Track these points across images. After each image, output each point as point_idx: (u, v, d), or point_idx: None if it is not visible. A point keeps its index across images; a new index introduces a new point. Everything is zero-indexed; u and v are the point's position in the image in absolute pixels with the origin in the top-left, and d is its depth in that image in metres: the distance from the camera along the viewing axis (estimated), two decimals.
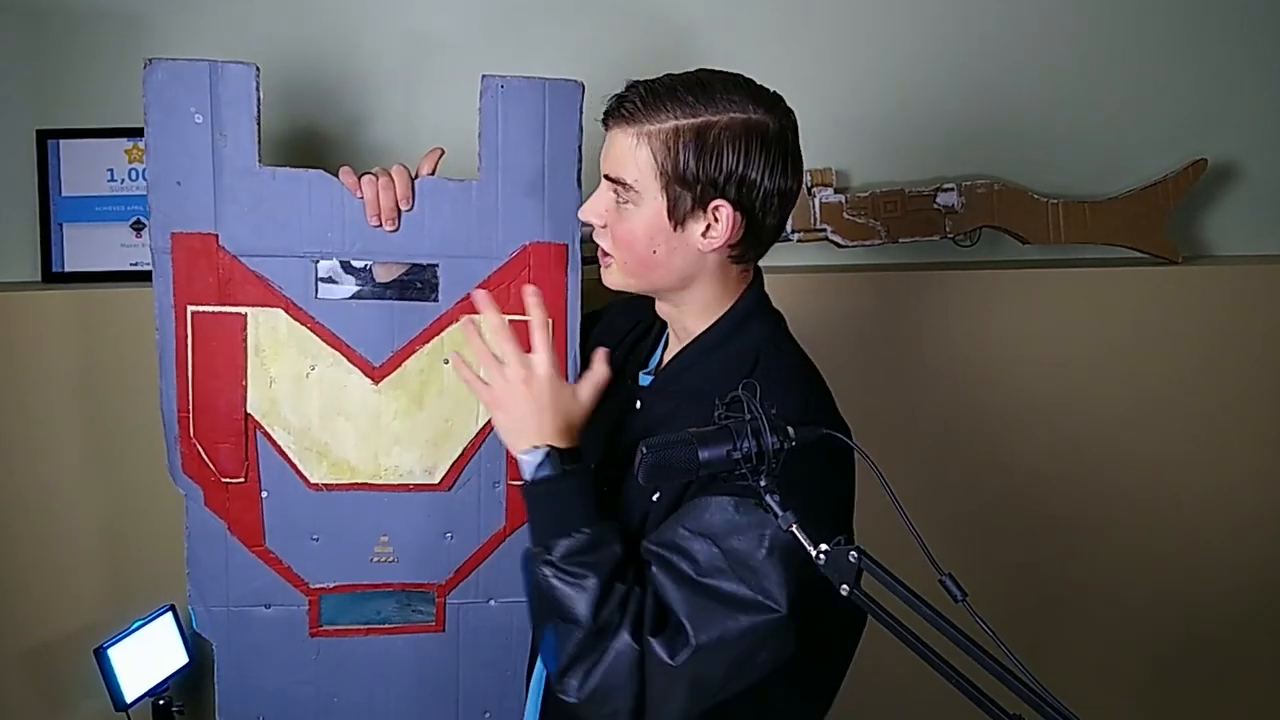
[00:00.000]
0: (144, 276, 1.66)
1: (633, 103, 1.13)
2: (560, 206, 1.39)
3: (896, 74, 1.83)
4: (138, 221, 1.71)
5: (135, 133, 1.68)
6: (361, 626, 1.44)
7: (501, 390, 1.21)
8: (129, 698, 1.56)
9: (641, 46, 1.73)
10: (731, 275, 1.21)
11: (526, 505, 1.17)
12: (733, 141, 1.12)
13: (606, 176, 1.18)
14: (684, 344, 1.25)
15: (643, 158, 1.13)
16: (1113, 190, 1.87)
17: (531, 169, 1.38)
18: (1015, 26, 1.85)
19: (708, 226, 1.15)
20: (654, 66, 1.21)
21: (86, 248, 1.71)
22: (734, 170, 1.12)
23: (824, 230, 1.77)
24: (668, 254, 1.17)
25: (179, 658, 1.64)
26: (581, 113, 1.38)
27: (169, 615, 1.63)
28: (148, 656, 1.59)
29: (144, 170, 1.62)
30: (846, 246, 1.79)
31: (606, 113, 1.17)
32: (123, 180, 1.71)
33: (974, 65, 1.84)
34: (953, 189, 1.80)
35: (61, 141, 1.69)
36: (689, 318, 1.23)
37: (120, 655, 1.55)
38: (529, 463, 1.17)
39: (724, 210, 1.14)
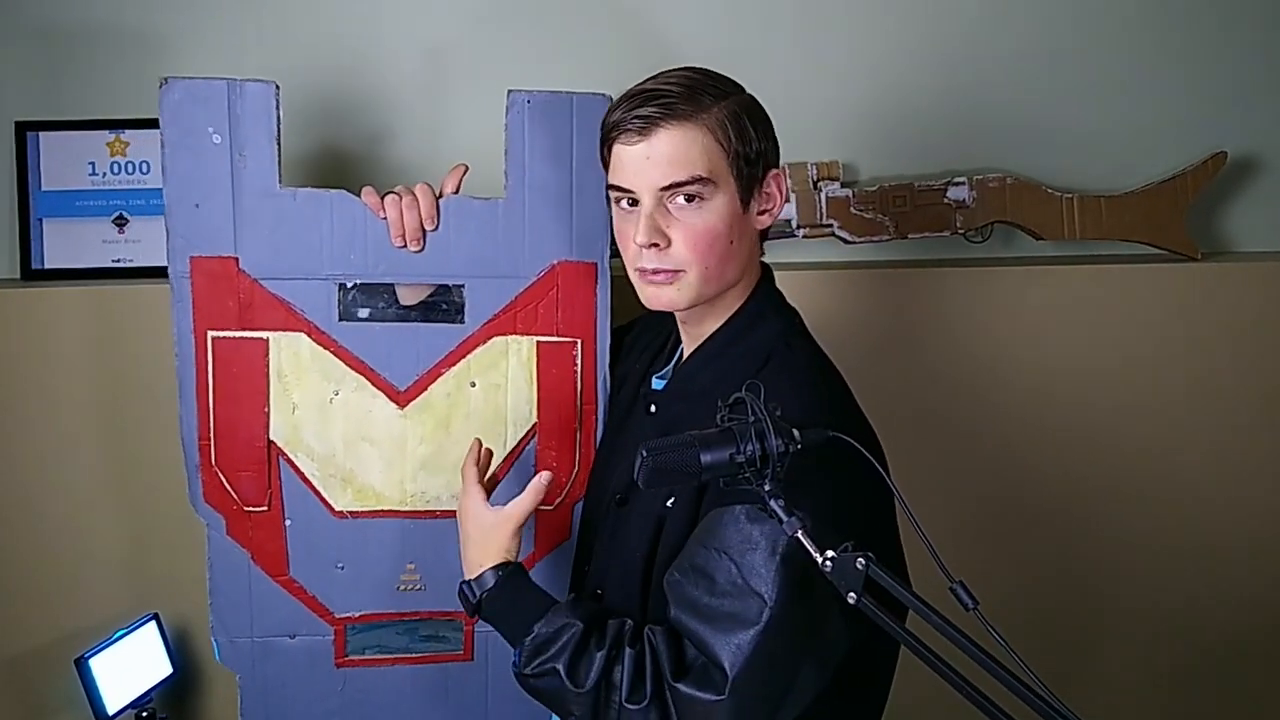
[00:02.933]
0: (127, 274, 1.64)
1: (671, 100, 1.11)
2: (589, 224, 1.37)
3: (905, 64, 1.78)
4: (120, 216, 1.66)
5: (118, 125, 1.64)
6: (388, 656, 1.42)
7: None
8: (111, 709, 1.52)
9: (660, 50, 1.69)
10: (755, 261, 1.22)
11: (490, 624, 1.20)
12: (761, 112, 1.17)
13: (673, 184, 1.12)
14: (697, 344, 1.23)
15: (710, 147, 1.12)
16: (1129, 184, 1.81)
17: (559, 186, 1.36)
18: (1029, 14, 1.80)
19: (763, 200, 1.18)
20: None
21: (67, 244, 1.66)
22: (773, 138, 1.17)
23: (830, 226, 1.73)
24: (739, 241, 1.16)
25: (163, 668, 1.60)
26: None
27: (152, 624, 1.59)
28: (130, 667, 1.56)
29: (127, 164, 1.61)
30: (853, 243, 1.74)
31: (646, 120, 1.12)
32: (104, 174, 1.66)
33: (986, 55, 1.80)
34: (964, 183, 1.75)
35: (41, 133, 1.64)
36: (708, 316, 1.21)
37: (102, 665, 1.52)
38: (475, 586, 1.20)
39: (778, 178, 1.18)
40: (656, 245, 1.13)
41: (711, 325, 1.21)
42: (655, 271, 1.15)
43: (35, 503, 1.64)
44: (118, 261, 1.66)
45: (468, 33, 1.70)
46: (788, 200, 1.17)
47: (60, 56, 1.64)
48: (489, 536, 1.21)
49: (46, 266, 1.66)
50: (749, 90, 1.19)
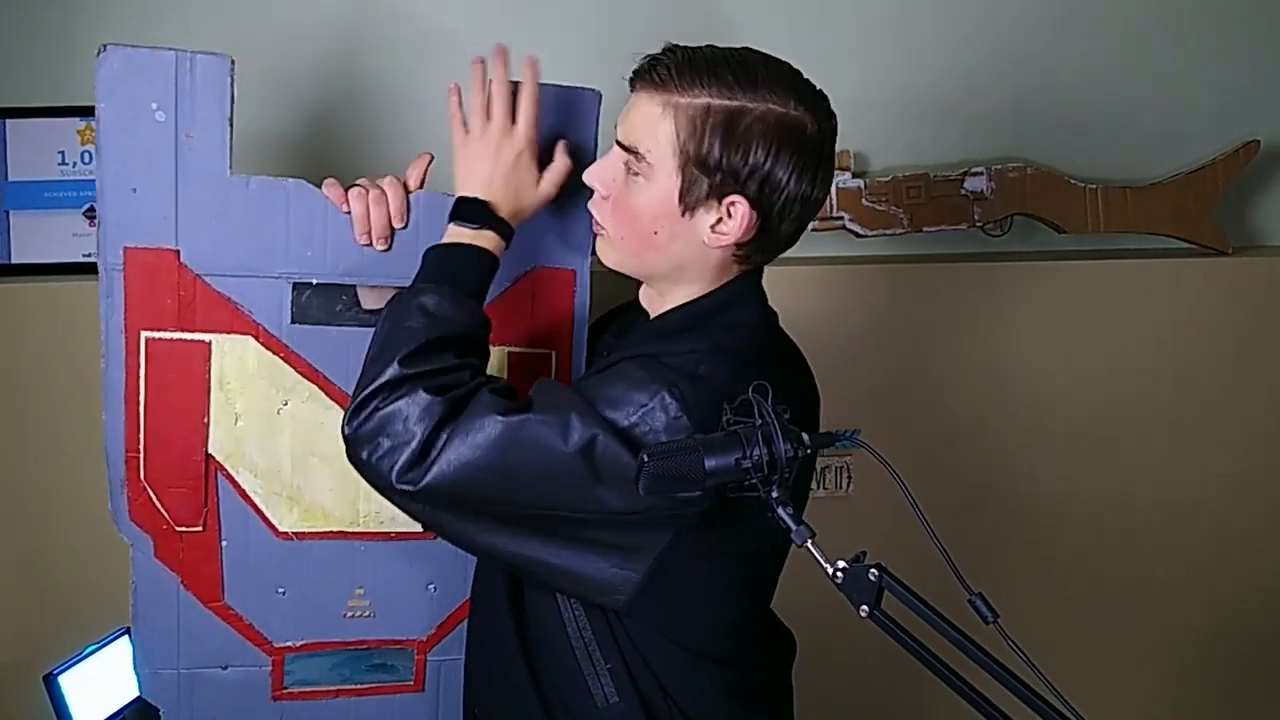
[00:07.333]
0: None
1: (666, 68, 1.07)
2: (571, 228, 1.29)
3: (920, 48, 1.76)
4: (91, 209, 1.64)
5: (89, 111, 1.56)
6: (331, 688, 1.34)
7: (476, 143, 1.19)
8: None
9: (662, 38, 1.65)
10: (730, 273, 1.16)
11: (429, 256, 1.15)
12: (765, 134, 1.06)
13: (619, 143, 1.12)
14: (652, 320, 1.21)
15: (665, 131, 1.07)
16: (1157, 175, 1.79)
17: None
18: None
19: (718, 220, 1.10)
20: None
21: (36, 237, 1.62)
22: (759, 166, 1.07)
23: (841, 218, 1.71)
24: (669, 239, 1.12)
25: (136, 686, 1.52)
26: (598, 125, 1.28)
27: (125, 639, 1.52)
28: (102, 684, 1.53)
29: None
30: (866, 236, 1.73)
31: (636, 73, 1.10)
32: (75, 164, 1.62)
33: (1005, 38, 1.76)
34: (982, 173, 1.73)
35: (8, 121, 1.61)
36: (669, 303, 1.18)
37: (72, 682, 1.49)
38: (460, 230, 1.16)
39: (740, 207, 1.09)
40: (605, 197, 1.14)
41: (668, 305, 1.18)
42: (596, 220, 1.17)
43: (5, 507, 1.61)
44: (88, 256, 1.61)
45: (442, 11, 1.66)
46: (747, 236, 1.10)
47: (28, 34, 1.61)
48: (518, 191, 1.18)
49: (14, 261, 1.63)
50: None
